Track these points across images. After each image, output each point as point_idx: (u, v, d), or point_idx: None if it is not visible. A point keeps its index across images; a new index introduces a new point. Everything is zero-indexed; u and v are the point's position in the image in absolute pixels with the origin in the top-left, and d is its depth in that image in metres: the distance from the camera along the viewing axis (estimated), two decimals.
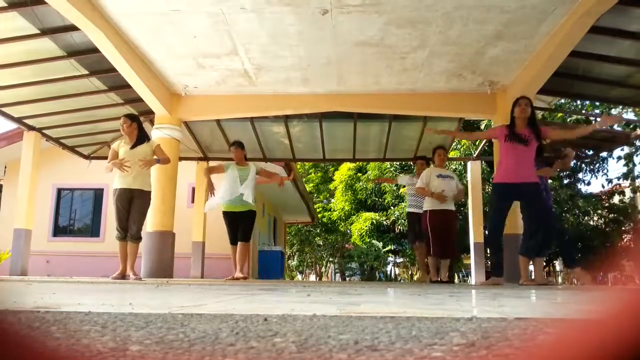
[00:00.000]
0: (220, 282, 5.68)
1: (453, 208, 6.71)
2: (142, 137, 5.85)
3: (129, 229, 5.74)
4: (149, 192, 5.90)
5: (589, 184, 14.82)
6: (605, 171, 13.92)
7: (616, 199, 13.82)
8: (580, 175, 14.60)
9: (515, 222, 7.43)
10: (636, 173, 13.66)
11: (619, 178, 13.36)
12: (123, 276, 5.73)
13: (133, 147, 5.76)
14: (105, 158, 10.36)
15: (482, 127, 13.82)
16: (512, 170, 5.20)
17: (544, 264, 14.89)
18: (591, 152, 10.64)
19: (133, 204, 5.76)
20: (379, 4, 5.57)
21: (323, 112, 8.48)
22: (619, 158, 13.08)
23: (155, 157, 5.84)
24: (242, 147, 6.75)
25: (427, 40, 6.36)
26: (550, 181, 12.62)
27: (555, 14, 5.71)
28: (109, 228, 11.88)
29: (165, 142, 8.11)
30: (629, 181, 13.38)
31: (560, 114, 11.86)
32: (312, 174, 21.15)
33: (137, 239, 5.77)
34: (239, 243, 6.56)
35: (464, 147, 13.57)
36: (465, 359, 0.74)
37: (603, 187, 13.75)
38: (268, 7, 5.66)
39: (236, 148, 6.70)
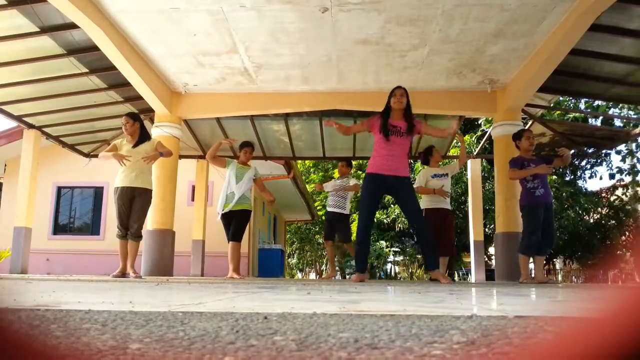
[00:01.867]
0: (220, 280, 5.69)
1: (449, 206, 6.73)
2: (144, 136, 5.87)
3: (130, 227, 5.74)
4: (151, 191, 5.92)
5: (591, 176, 14.84)
6: (610, 165, 13.96)
7: (619, 192, 13.83)
8: (581, 172, 14.63)
9: (515, 220, 7.45)
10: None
11: (621, 173, 13.39)
12: (123, 274, 5.73)
13: (135, 145, 5.77)
14: None
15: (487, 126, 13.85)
16: (383, 162, 4.98)
17: (544, 262, 14.93)
18: (592, 150, 10.64)
19: (134, 202, 5.77)
20: (379, 2, 5.57)
21: (323, 110, 8.48)
22: (618, 153, 13.13)
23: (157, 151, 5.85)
24: (253, 149, 6.79)
25: (427, 38, 6.35)
26: (555, 177, 12.69)
27: (556, 12, 5.71)
28: (109, 226, 11.89)
29: (165, 140, 8.11)
30: (629, 177, 13.41)
31: (558, 112, 11.87)
32: (313, 173, 21.17)
33: (138, 237, 5.78)
34: (230, 243, 6.50)
35: (465, 144, 13.57)
36: (466, 357, 0.74)
37: (610, 177, 13.76)
38: (268, 5, 5.66)
39: (247, 150, 6.67)
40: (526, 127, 8.57)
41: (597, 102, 13.13)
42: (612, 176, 13.88)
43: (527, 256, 5.97)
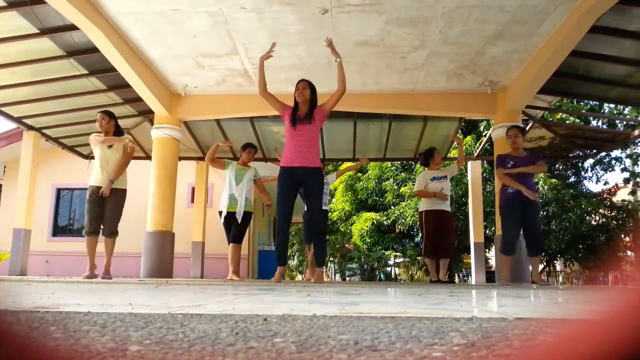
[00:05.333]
0: (220, 282, 5.68)
1: (449, 209, 6.72)
2: (117, 134, 5.90)
3: (105, 224, 5.73)
4: (124, 190, 5.90)
5: (598, 181, 14.89)
6: (619, 166, 13.94)
7: (622, 194, 13.82)
8: (584, 173, 14.63)
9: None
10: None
11: (624, 171, 13.39)
12: (93, 273, 5.72)
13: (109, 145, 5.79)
14: None
15: (481, 128, 13.85)
16: (292, 153, 4.98)
17: (545, 264, 14.90)
18: (594, 152, 10.65)
19: (107, 201, 5.74)
20: (379, 4, 5.57)
21: None
22: (618, 159, 13.14)
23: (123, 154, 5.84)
24: (256, 151, 6.80)
25: (427, 40, 6.35)
26: (554, 180, 12.68)
27: (556, 13, 5.71)
28: None
29: (165, 142, 8.13)
30: (631, 180, 13.40)
31: (559, 115, 11.87)
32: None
33: (113, 233, 5.78)
34: (230, 244, 6.50)
35: (465, 146, 13.56)
36: (466, 359, 0.73)
37: (626, 182, 13.76)
38: (268, 7, 5.66)
39: (251, 151, 6.67)
40: (526, 128, 8.57)
41: (595, 103, 13.17)
42: (627, 181, 13.86)
43: (506, 256, 5.98)
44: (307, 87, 5.14)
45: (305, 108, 5.08)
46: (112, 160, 5.74)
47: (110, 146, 5.78)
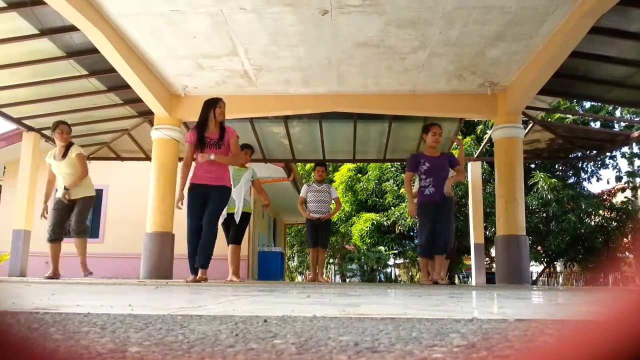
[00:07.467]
0: (219, 283, 5.68)
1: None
2: (68, 147, 6.25)
3: (71, 226, 6.03)
4: (89, 197, 6.29)
5: (598, 180, 14.92)
6: (618, 168, 13.93)
7: (622, 195, 13.83)
8: (587, 175, 14.62)
9: (516, 223, 7.45)
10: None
11: (624, 175, 13.38)
12: (55, 276, 6.07)
13: (64, 156, 6.15)
14: (105, 159, 10.38)
15: (478, 130, 13.86)
16: (202, 173, 5.23)
17: (545, 265, 14.89)
18: (594, 153, 10.65)
19: (73, 209, 6.18)
20: (379, 5, 5.57)
21: (323, 113, 8.48)
22: (624, 156, 13.14)
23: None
24: (253, 152, 6.83)
25: (427, 40, 6.36)
26: (553, 181, 12.67)
27: (556, 14, 5.71)
28: (108, 229, 11.88)
29: (165, 143, 8.13)
30: (627, 180, 13.41)
31: (557, 115, 11.88)
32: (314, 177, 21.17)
33: (82, 231, 6.05)
34: (230, 245, 6.51)
35: (465, 147, 13.56)
36: None
37: (617, 180, 13.77)
38: (268, 8, 5.66)
39: (247, 152, 6.69)
40: (526, 130, 8.57)
41: (593, 104, 13.17)
42: (619, 179, 13.87)
43: (423, 257, 5.91)
44: (223, 106, 5.43)
45: (215, 128, 5.36)
46: (68, 173, 6.16)
47: (64, 155, 6.13)
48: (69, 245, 6.27)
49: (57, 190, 6.28)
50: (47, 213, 6.23)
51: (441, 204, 5.74)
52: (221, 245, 7.12)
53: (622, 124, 13.65)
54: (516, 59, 6.83)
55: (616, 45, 6.32)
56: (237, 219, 6.43)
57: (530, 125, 8.83)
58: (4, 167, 12.29)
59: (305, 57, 6.86)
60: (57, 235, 6.09)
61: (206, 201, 5.28)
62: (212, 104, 5.34)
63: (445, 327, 1.09)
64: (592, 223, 13.41)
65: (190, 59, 6.99)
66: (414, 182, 6.65)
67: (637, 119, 12.97)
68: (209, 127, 5.31)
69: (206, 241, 5.24)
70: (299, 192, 8.29)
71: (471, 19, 5.85)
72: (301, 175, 17.31)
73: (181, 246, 9.32)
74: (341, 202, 8.56)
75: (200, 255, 5.25)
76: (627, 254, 13.88)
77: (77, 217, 6.11)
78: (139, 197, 8.83)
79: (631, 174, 13.46)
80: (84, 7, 5.49)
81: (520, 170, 7.71)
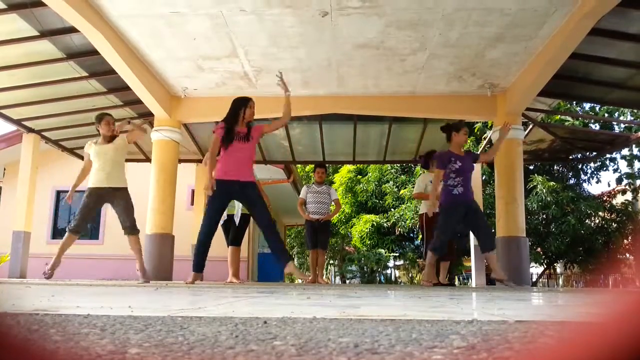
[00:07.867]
0: (219, 285, 5.68)
1: None
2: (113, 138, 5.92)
3: (124, 225, 5.70)
4: (126, 188, 5.84)
5: (598, 182, 14.99)
6: (618, 169, 13.91)
7: (620, 199, 13.81)
8: (587, 177, 14.61)
9: (516, 224, 7.45)
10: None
11: (624, 177, 13.36)
12: (53, 267, 5.78)
13: (110, 141, 5.82)
14: None
15: (476, 130, 13.85)
16: (230, 168, 5.16)
17: (545, 266, 14.87)
18: (594, 154, 10.65)
19: (115, 203, 5.74)
20: (379, 6, 5.58)
21: (323, 114, 8.48)
22: (624, 158, 13.13)
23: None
24: None
25: (427, 42, 6.36)
26: (553, 183, 12.66)
27: (555, 16, 5.72)
28: (108, 231, 11.88)
29: (165, 144, 8.13)
30: (627, 182, 13.40)
31: (557, 117, 11.88)
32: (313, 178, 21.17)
33: (134, 229, 5.76)
34: (229, 247, 6.50)
35: (465, 147, 13.54)
36: None
37: (618, 182, 13.76)
38: (268, 9, 5.67)
39: None
40: (526, 131, 8.57)
41: (592, 105, 13.16)
42: (619, 180, 13.85)
43: (435, 255, 5.90)
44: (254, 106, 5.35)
45: (243, 124, 5.25)
46: (110, 159, 5.75)
47: (111, 141, 5.75)
48: (70, 247, 6.21)
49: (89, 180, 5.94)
50: (71, 200, 5.95)
51: (473, 205, 5.78)
52: (221, 247, 7.13)
53: (622, 125, 13.65)
54: (516, 61, 6.84)
55: (616, 46, 6.32)
56: (237, 220, 6.42)
57: (530, 126, 8.83)
58: (4, 169, 12.30)
59: (305, 58, 6.87)
60: (81, 229, 5.90)
61: (232, 197, 5.33)
62: (243, 104, 5.25)
63: (445, 328, 1.09)
64: (592, 225, 13.39)
65: (190, 60, 6.99)
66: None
67: (638, 121, 12.97)
68: (237, 124, 5.21)
69: (277, 234, 5.47)
70: (299, 194, 8.29)
71: (471, 21, 5.86)
72: (301, 177, 17.29)
73: (181, 247, 9.35)
74: (341, 204, 8.61)
75: (281, 254, 5.42)
76: (627, 255, 13.87)
77: (127, 211, 5.72)
78: (139, 198, 8.80)
79: (631, 176, 13.45)
80: (84, 9, 5.49)
81: (520, 171, 7.72)
